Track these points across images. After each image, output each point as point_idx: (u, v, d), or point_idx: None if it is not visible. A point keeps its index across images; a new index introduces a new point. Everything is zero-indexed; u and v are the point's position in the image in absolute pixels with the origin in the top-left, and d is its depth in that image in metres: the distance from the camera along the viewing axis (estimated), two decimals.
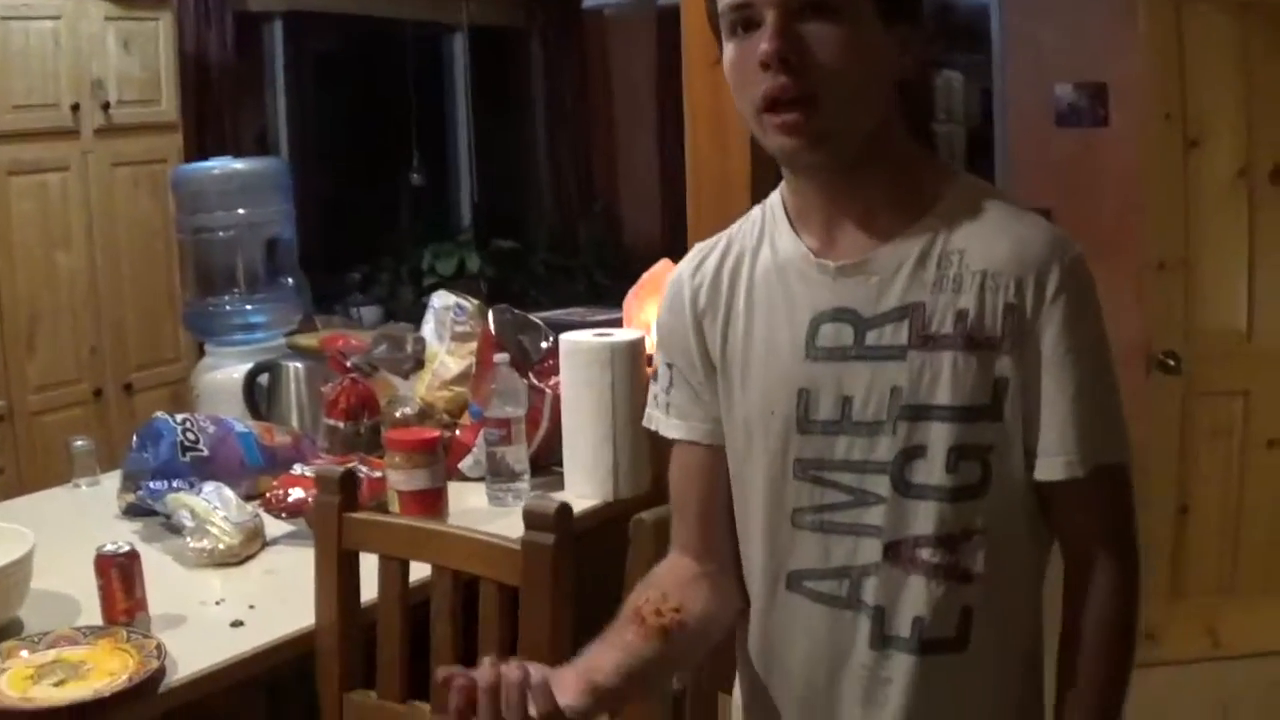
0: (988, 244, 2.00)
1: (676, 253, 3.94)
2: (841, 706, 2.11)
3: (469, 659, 2.77)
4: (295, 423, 4.41)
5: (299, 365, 4.53)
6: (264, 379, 4.56)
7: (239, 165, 5.96)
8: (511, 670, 1.86)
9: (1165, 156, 5.39)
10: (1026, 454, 2.01)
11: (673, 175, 9.48)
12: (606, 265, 8.80)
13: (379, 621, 2.95)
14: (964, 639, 2.04)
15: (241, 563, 3.37)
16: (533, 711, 1.85)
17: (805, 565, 2.11)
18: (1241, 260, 5.43)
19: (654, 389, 2.30)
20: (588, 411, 3.81)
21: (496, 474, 3.75)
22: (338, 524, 2.98)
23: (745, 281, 2.15)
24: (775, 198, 2.18)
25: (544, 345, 4.02)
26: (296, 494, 3.48)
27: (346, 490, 3.01)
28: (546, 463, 3.97)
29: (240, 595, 3.16)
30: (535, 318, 4.15)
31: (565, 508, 2.69)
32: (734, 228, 2.23)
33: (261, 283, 5.67)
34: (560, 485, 3.88)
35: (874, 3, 1.95)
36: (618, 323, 4.20)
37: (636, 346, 3.86)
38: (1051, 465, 2.00)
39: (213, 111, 7.29)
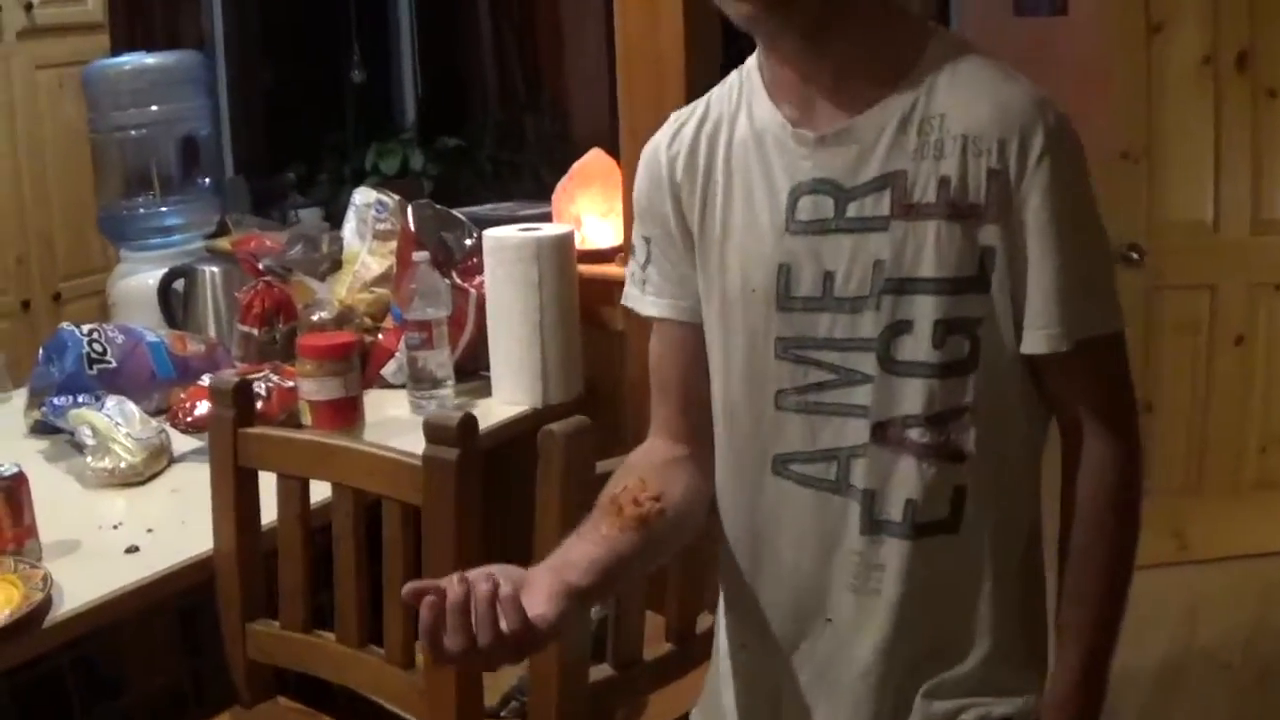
0: (969, 106, 1.93)
1: (616, 143, 3.79)
2: (832, 594, 2.07)
3: (375, 584, 2.65)
4: (213, 331, 4.27)
5: (216, 270, 4.37)
6: (179, 285, 4.40)
7: (151, 60, 5.73)
8: (480, 583, 1.78)
9: (1126, 42, 5.33)
10: (1016, 326, 1.96)
11: None
12: (555, 161, 8.60)
13: (279, 546, 2.85)
14: (957, 520, 2.00)
15: (145, 482, 3.25)
16: (504, 626, 1.77)
17: (791, 448, 2.05)
18: (1207, 150, 5.38)
19: (631, 265, 2.23)
20: (514, 312, 3.69)
21: (418, 380, 3.63)
22: (233, 440, 2.85)
23: (723, 150, 2.08)
24: (751, 62, 2.10)
25: (468, 243, 3.89)
26: (203, 407, 3.28)
27: (242, 402, 2.89)
28: (473, 368, 3.85)
29: (141, 518, 3.03)
30: (459, 213, 4.01)
31: (469, 419, 2.55)
32: (712, 93, 2.14)
33: (178, 184, 5.47)
34: (488, 391, 3.78)
35: None
36: (548, 217, 4.06)
37: (565, 241, 3.74)
38: (1036, 338, 1.94)
39: (141, 9, 7.07)
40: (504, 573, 1.83)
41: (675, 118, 2.17)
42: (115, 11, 6.63)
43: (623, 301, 2.26)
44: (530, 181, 8.56)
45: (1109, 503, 2.00)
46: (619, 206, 3.88)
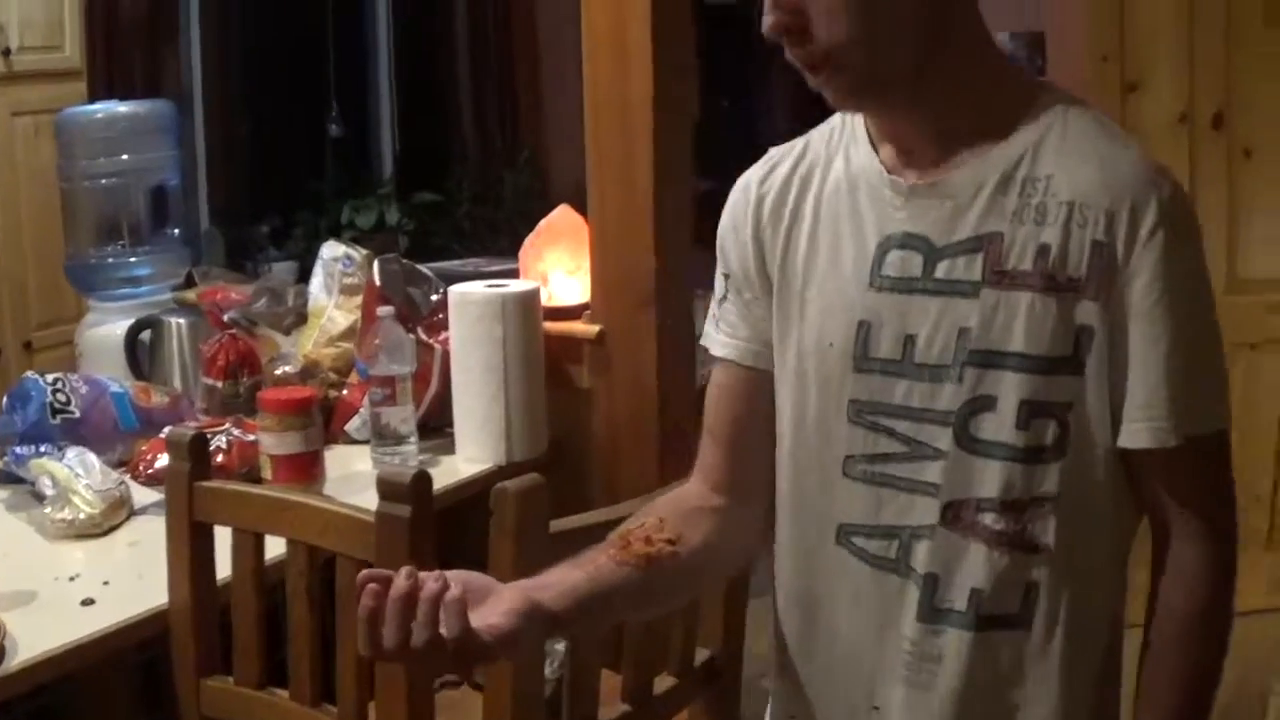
0: (1078, 170, 1.81)
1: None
2: (883, 682, 1.96)
3: (329, 641, 2.64)
4: (178, 383, 4.28)
5: (183, 321, 4.40)
6: (146, 336, 4.41)
7: (124, 109, 5.79)
8: (430, 581, 1.68)
9: (1102, 100, 5.28)
10: (1113, 415, 1.83)
11: None
12: (532, 217, 8.60)
13: (233, 601, 2.83)
14: (1028, 616, 1.88)
15: (105, 534, 3.24)
16: (443, 630, 1.66)
17: (854, 519, 1.95)
18: None
19: (712, 304, 2.14)
20: (478, 368, 3.68)
21: (381, 436, 3.62)
22: (188, 493, 2.84)
23: (814, 193, 1.99)
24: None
25: (434, 298, 3.90)
26: (164, 460, 3.25)
27: (198, 455, 2.87)
28: (438, 424, 3.84)
29: (98, 570, 3.03)
30: (425, 268, 4.03)
31: (423, 476, 2.54)
32: (813, 132, 2.06)
33: (147, 234, 5.48)
34: (451, 448, 3.77)
35: None
36: (515, 274, 4.06)
37: (531, 298, 3.74)
38: (1139, 431, 1.82)
39: (120, 58, 7.10)
40: (465, 578, 1.73)
41: (770, 155, 2.08)
42: (94, 59, 6.66)
43: (701, 341, 2.18)
44: (507, 238, 8.56)
45: (1198, 614, 1.88)
46: (586, 264, 3.89)
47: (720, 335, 2.10)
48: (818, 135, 2.03)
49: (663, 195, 3.64)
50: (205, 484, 2.84)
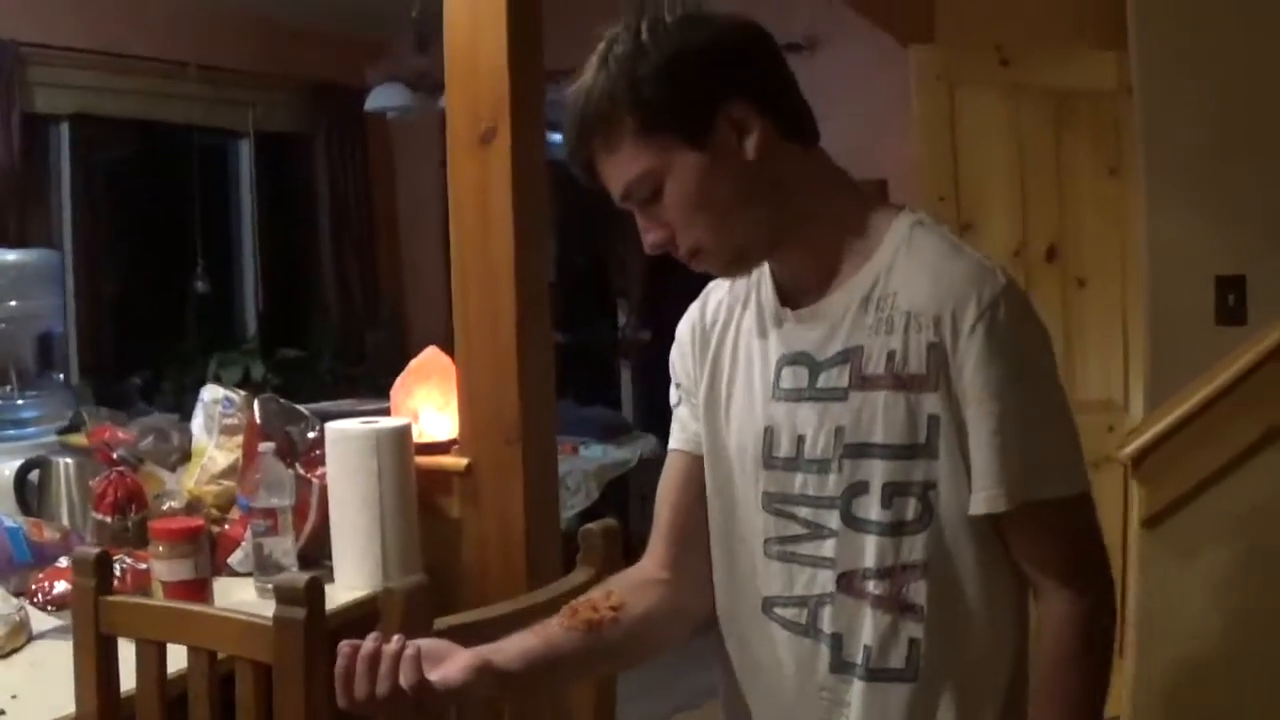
0: (914, 283, 2.12)
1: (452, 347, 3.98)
2: None
3: None
4: (66, 520, 4.35)
5: (69, 461, 4.46)
6: (34, 476, 4.49)
7: (11, 256, 5.88)
8: (393, 642, 2.05)
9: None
10: (970, 489, 2.11)
11: None
12: (394, 372, 8.68)
13: (138, 711, 2.91)
14: (914, 670, 2.15)
15: (5, 656, 3.30)
16: (402, 681, 2.02)
17: (774, 592, 2.26)
18: None
19: (673, 412, 2.47)
20: (354, 501, 3.79)
21: (264, 568, 3.71)
22: (94, 607, 2.94)
23: (735, 323, 2.34)
24: None
25: (311, 435, 4.02)
26: (62, 586, 3.43)
27: (102, 572, 2.97)
28: (317, 556, 3.93)
29: (2, 687, 3.08)
30: (303, 408, 4.15)
31: (315, 581, 2.69)
32: None
33: (32, 378, 5.57)
34: (330, 578, 3.83)
35: (674, 134, 2.10)
36: (386, 413, 4.19)
37: (403, 434, 3.87)
38: (978, 500, 2.10)
39: None
40: (427, 643, 2.10)
41: (708, 289, 2.43)
42: None
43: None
44: (370, 392, 8.67)
45: (1066, 657, 2.11)
46: (454, 401, 4.01)
47: (675, 431, 2.45)
48: None
49: (525, 345, 3.81)
50: (110, 598, 2.94)
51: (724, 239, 2.14)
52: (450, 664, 2.07)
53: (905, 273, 2.13)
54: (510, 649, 2.16)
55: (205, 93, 8.80)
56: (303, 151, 9.91)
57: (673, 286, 9.77)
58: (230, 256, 9.43)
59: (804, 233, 2.19)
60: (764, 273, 2.29)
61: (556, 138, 2.38)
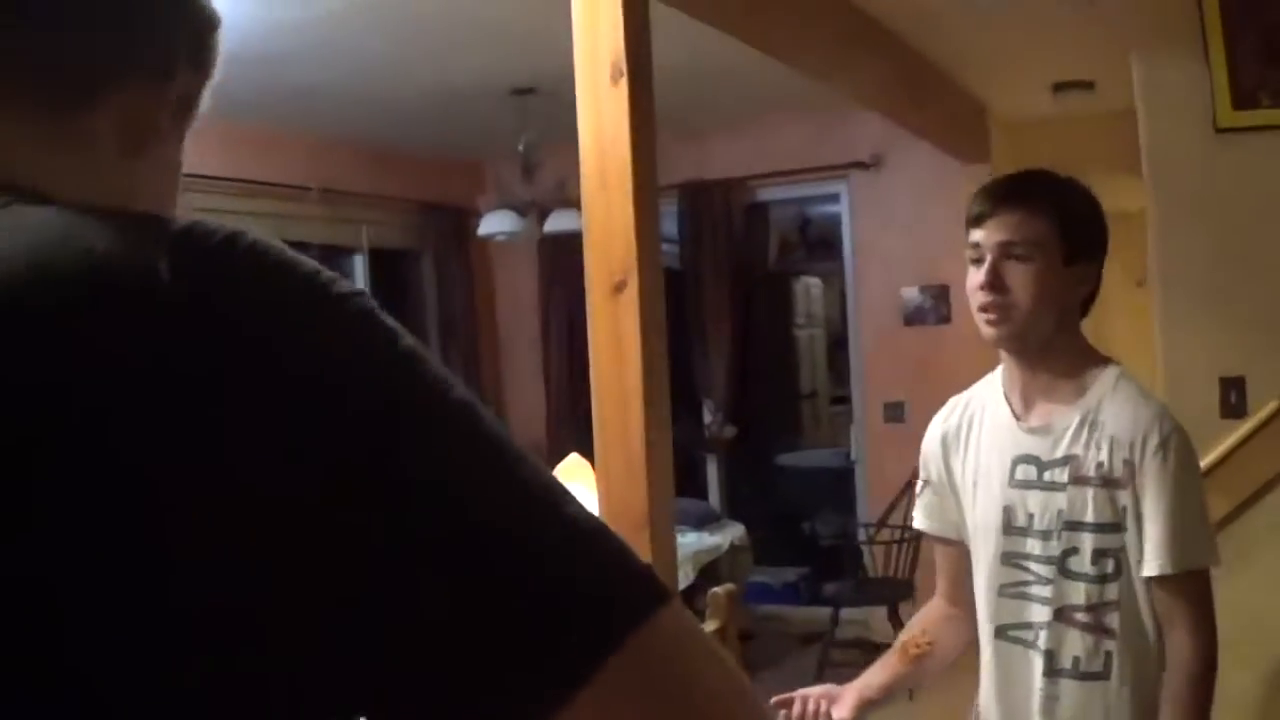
0: (1118, 417, 2.92)
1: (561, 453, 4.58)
2: (1031, 715, 3.02)
3: None
4: None
5: None
6: None
7: None
8: (812, 701, 3.04)
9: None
10: (1142, 557, 2.88)
11: (556, 386, 10.28)
12: None
13: None
14: (1107, 673, 2.93)
15: None
16: None
17: (1006, 621, 3.05)
18: None
19: (918, 495, 3.34)
20: None
21: None
22: None
23: (977, 428, 3.15)
24: (999, 371, 3.16)
25: None
26: None
27: None
28: None
29: None
30: None
31: None
32: (975, 386, 3.24)
33: None
34: None
35: (1060, 248, 2.93)
36: None
37: None
38: (1150, 565, 2.86)
39: None
40: (825, 689, 3.07)
41: (953, 401, 3.26)
42: None
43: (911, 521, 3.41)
44: None
45: (1187, 679, 2.86)
46: (595, 496, 4.24)
47: (919, 515, 3.33)
48: (981, 384, 3.22)
49: (651, 454, 4.13)
50: None
51: (1027, 318, 2.94)
52: (844, 701, 3.03)
53: (1111, 409, 2.93)
54: (875, 683, 3.15)
55: (324, 213, 9.40)
56: (412, 266, 10.40)
57: (750, 389, 10.31)
58: None
59: (1056, 354, 3.01)
60: (998, 389, 3.12)
61: None
